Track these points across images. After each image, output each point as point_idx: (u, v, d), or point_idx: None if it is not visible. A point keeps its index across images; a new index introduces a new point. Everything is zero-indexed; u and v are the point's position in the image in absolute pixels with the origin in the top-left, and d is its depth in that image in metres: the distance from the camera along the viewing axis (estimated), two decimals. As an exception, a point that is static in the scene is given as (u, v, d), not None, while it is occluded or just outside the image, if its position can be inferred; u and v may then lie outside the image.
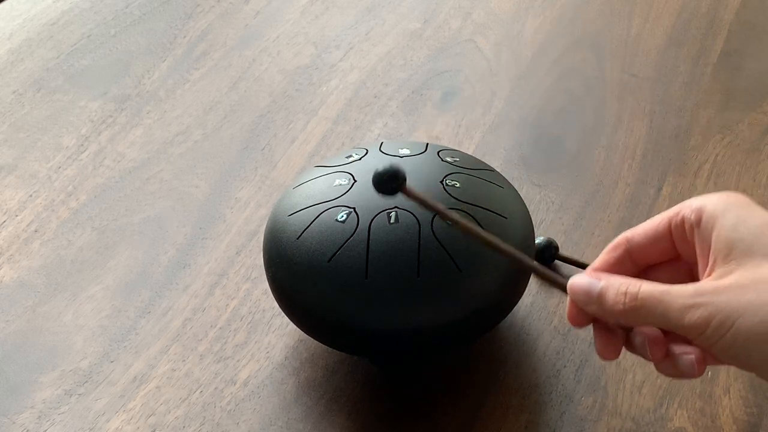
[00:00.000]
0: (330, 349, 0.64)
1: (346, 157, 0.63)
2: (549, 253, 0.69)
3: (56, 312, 0.68)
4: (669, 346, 0.50)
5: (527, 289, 0.63)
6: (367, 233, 0.57)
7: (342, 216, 0.58)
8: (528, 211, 0.63)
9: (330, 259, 0.57)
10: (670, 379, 0.63)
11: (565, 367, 0.64)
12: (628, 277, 0.50)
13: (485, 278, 0.58)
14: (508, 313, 0.62)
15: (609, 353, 0.51)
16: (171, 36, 0.91)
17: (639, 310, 0.48)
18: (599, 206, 0.75)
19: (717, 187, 0.75)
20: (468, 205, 0.59)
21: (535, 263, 0.52)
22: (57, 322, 0.68)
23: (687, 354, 0.49)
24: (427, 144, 0.63)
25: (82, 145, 0.81)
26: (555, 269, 0.70)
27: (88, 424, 0.62)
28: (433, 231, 0.57)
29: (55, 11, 0.94)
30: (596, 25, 0.92)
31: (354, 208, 0.58)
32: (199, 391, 0.64)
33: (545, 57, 0.89)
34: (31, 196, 0.76)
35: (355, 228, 0.57)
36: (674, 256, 0.52)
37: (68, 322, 0.68)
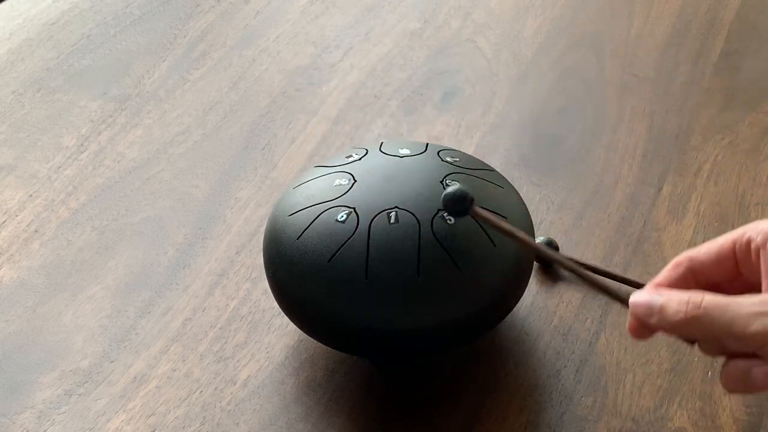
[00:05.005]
0: (330, 349, 0.64)
1: (346, 157, 0.63)
2: (549, 253, 0.69)
3: (56, 312, 0.68)
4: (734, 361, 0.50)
5: (527, 289, 0.63)
6: (367, 233, 0.57)
7: (342, 216, 0.58)
8: (528, 211, 0.63)
9: (330, 259, 0.57)
10: (670, 379, 0.63)
11: (565, 367, 0.64)
12: (690, 290, 0.50)
13: (485, 278, 0.58)
14: (508, 314, 0.62)
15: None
16: (171, 36, 0.91)
17: (702, 318, 0.48)
18: (599, 206, 0.75)
19: (717, 187, 0.75)
20: (468, 205, 0.59)
21: (599, 277, 0.54)
22: (57, 322, 0.68)
23: (757, 366, 0.48)
24: (427, 144, 0.63)
25: (82, 145, 0.81)
26: (555, 270, 0.70)
27: (88, 424, 0.62)
28: (433, 231, 0.57)
29: (55, 11, 0.94)
30: (596, 25, 0.92)
31: (354, 208, 0.58)
32: (199, 391, 0.64)
33: (545, 57, 0.89)
34: (31, 196, 0.76)
35: (355, 228, 0.57)
36: (736, 277, 0.53)
37: (68, 322, 0.68)
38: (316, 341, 0.63)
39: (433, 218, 0.57)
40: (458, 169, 0.61)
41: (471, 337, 0.61)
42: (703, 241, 0.57)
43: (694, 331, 0.49)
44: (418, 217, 0.57)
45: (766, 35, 0.90)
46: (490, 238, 0.58)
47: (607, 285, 0.54)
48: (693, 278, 0.53)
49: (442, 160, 0.62)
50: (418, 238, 0.57)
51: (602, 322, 0.67)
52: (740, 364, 0.49)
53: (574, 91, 0.86)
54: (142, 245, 0.73)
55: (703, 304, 0.48)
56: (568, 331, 0.66)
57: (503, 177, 0.64)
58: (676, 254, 0.70)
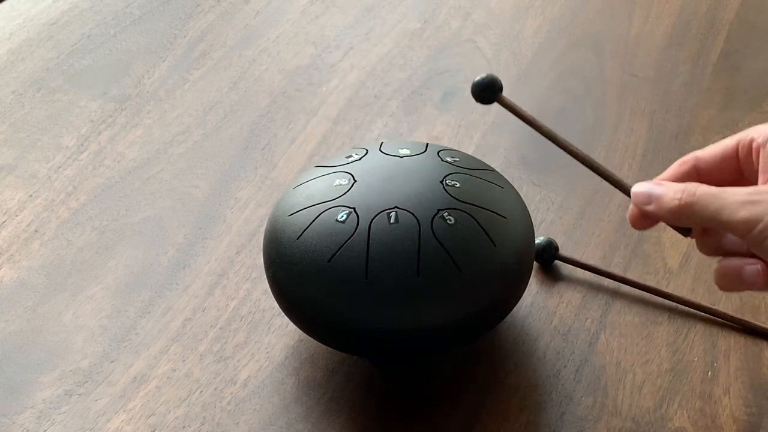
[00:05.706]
0: (330, 349, 0.64)
1: (346, 157, 0.63)
2: (549, 253, 0.69)
3: (56, 312, 0.68)
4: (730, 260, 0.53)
5: (527, 289, 0.63)
6: (367, 233, 0.57)
7: (342, 216, 0.58)
8: (528, 211, 0.63)
9: (330, 259, 0.57)
10: (670, 379, 0.63)
11: (565, 367, 0.64)
12: (689, 182, 0.53)
13: (485, 278, 0.58)
14: (507, 314, 0.62)
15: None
16: (171, 36, 0.91)
17: (694, 205, 0.51)
18: (599, 206, 0.75)
19: (717, 187, 0.75)
20: (468, 205, 0.59)
21: (602, 166, 0.58)
22: (57, 322, 0.68)
23: (750, 264, 0.52)
24: (427, 144, 0.63)
25: (82, 145, 0.81)
26: (555, 270, 0.70)
27: (88, 424, 0.62)
28: (433, 231, 0.57)
29: (55, 11, 0.94)
30: (596, 25, 0.92)
31: (354, 208, 0.58)
32: (199, 391, 0.64)
33: (545, 57, 0.89)
34: (31, 196, 0.76)
35: (355, 228, 0.57)
36: (738, 179, 0.55)
37: (68, 322, 0.68)
38: (316, 341, 0.63)
39: (433, 218, 0.57)
40: (458, 169, 0.61)
41: (471, 337, 0.61)
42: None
43: (687, 219, 0.52)
44: (418, 217, 0.57)
45: (766, 35, 0.90)
46: (490, 238, 0.58)
47: (612, 175, 0.57)
48: (697, 177, 0.55)
49: (442, 160, 0.62)
50: (418, 238, 0.57)
51: (602, 322, 0.67)
52: (733, 261, 0.53)
53: (574, 91, 0.86)
54: (142, 245, 0.73)
55: (697, 193, 0.51)
56: (568, 331, 0.66)
57: (503, 177, 0.64)
58: (676, 254, 0.71)
